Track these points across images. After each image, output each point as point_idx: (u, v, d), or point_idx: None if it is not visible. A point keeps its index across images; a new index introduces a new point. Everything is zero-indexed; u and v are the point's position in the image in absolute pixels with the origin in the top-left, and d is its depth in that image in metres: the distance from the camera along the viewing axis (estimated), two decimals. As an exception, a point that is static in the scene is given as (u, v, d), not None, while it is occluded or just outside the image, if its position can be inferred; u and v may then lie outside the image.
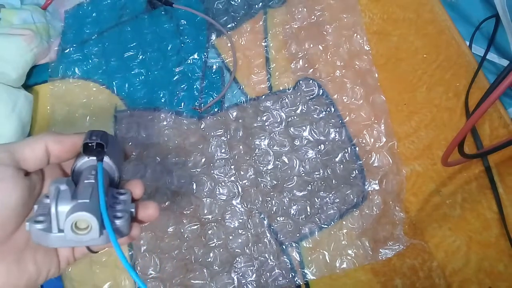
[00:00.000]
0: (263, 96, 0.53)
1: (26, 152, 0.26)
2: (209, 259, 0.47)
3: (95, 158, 0.27)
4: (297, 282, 0.46)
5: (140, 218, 0.29)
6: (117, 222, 0.25)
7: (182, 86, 0.54)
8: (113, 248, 0.24)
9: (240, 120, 0.52)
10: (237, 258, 0.47)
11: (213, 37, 0.56)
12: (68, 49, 0.56)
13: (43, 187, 0.29)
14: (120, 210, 0.26)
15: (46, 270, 0.28)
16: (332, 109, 0.52)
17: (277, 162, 0.50)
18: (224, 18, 0.56)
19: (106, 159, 0.28)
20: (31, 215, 0.27)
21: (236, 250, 0.47)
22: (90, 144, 0.27)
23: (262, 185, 0.49)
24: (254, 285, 0.46)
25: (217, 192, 0.49)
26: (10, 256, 0.26)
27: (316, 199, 0.48)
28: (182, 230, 0.48)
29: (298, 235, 0.47)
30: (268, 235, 0.48)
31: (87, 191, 0.25)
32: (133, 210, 0.28)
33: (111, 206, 0.26)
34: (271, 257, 0.47)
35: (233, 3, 0.56)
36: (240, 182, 0.49)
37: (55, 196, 0.24)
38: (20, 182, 0.25)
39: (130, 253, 0.48)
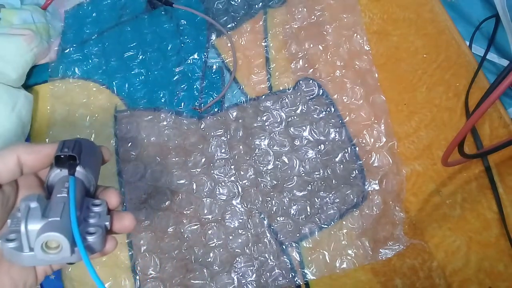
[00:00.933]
0: (263, 96, 0.53)
1: None
2: (209, 259, 0.47)
3: (60, 169, 0.27)
4: (297, 282, 0.46)
5: (116, 230, 0.28)
6: (90, 238, 0.25)
7: (182, 86, 0.54)
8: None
9: (240, 120, 0.52)
10: (237, 258, 0.47)
11: (213, 37, 0.56)
12: (68, 49, 0.56)
13: (18, 197, 0.28)
14: (94, 225, 0.25)
15: (22, 283, 0.27)
16: (332, 109, 0.52)
17: (277, 162, 0.50)
18: (224, 18, 0.56)
19: (80, 169, 0.27)
20: (4, 230, 0.26)
21: (236, 250, 0.47)
22: (62, 156, 0.26)
23: (262, 185, 0.49)
24: (254, 285, 0.46)
25: (217, 192, 0.49)
26: None
27: (316, 199, 0.48)
28: (182, 230, 0.48)
29: (298, 235, 0.47)
30: (268, 235, 0.48)
31: (59, 207, 0.24)
32: (107, 223, 0.26)
33: (85, 220, 0.25)
34: (271, 257, 0.47)
35: (233, 3, 0.56)
36: (240, 182, 0.49)
37: (25, 214, 0.24)
38: None
39: (130, 253, 0.48)
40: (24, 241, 0.24)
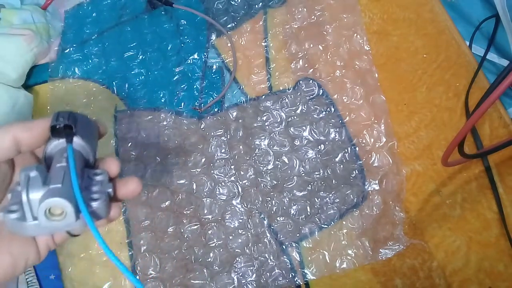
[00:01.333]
0: (263, 96, 0.53)
1: None
2: (209, 259, 0.47)
3: (64, 140, 0.26)
4: (297, 282, 0.46)
5: (122, 195, 0.28)
6: (94, 204, 0.24)
7: (182, 86, 0.54)
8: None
9: (240, 120, 0.52)
10: (237, 258, 0.47)
11: (213, 37, 0.56)
12: (68, 49, 0.56)
13: (14, 176, 0.28)
14: (96, 192, 0.25)
15: (24, 259, 0.27)
16: (332, 109, 0.52)
17: (277, 162, 0.50)
18: (224, 18, 0.56)
19: (77, 139, 0.26)
20: (4, 204, 0.26)
21: (236, 250, 0.47)
22: (57, 127, 0.26)
23: (262, 185, 0.49)
24: (254, 285, 0.46)
25: (217, 192, 0.49)
26: None
27: (316, 199, 0.48)
28: (182, 230, 0.48)
29: (298, 235, 0.47)
30: (268, 235, 0.48)
31: (59, 175, 0.24)
32: (110, 190, 0.26)
33: (87, 188, 0.25)
34: (271, 257, 0.47)
35: (233, 3, 0.56)
36: (240, 182, 0.49)
37: (25, 183, 0.23)
38: None
39: (130, 253, 0.48)
40: (26, 210, 0.23)
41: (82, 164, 0.27)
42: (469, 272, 0.45)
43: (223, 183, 0.49)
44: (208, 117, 0.52)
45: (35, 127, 0.26)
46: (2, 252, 0.26)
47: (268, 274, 0.46)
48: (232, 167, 0.50)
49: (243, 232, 0.48)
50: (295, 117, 0.51)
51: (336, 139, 0.50)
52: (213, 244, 0.47)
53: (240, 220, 0.48)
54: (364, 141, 0.50)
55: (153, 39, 0.56)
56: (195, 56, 0.55)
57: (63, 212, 0.23)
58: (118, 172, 0.29)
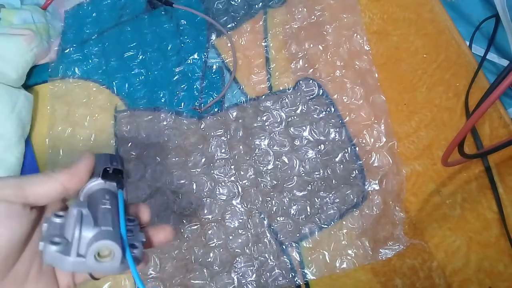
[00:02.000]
0: (263, 96, 0.53)
1: (38, 190, 0.26)
2: (209, 259, 0.47)
3: (113, 183, 0.28)
4: (297, 282, 0.46)
5: (155, 243, 0.29)
6: (135, 251, 0.25)
7: (182, 86, 0.54)
8: (115, 274, 0.24)
9: (240, 120, 0.52)
10: (237, 258, 0.47)
11: (213, 37, 0.56)
12: (68, 49, 0.56)
13: (44, 211, 0.28)
14: (134, 240, 0.26)
15: None
16: (332, 109, 0.52)
17: (277, 162, 0.50)
18: (224, 18, 0.56)
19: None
20: (33, 241, 0.27)
21: (236, 250, 0.47)
22: (108, 170, 0.28)
23: (262, 185, 0.49)
24: (254, 285, 0.46)
25: (217, 192, 0.49)
26: None
27: (316, 199, 0.48)
28: (182, 230, 0.48)
29: (298, 235, 0.47)
30: (268, 235, 0.48)
31: (107, 218, 0.25)
32: (144, 240, 0.27)
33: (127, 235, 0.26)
34: (271, 257, 0.47)
35: (233, 3, 0.56)
36: (240, 182, 0.49)
37: (79, 220, 0.24)
38: (26, 218, 0.25)
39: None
40: (74, 246, 0.24)
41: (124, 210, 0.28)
42: (469, 272, 0.45)
43: (223, 183, 0.49)
44: (208, 117, 0.52)
45: (81, 172, 0.27)
46: None
47: (268, 274, 0.46)
48: (232, 167, 0.50)
49: (243, 232, 0.48)
50: (295, 117, 0.51)
51: (336, 139, 0.50)
52: (213, 244, 0.47)
53: (240, 220, 0.48)
54: (364, 141, 0.50)
55: (153, 39, 0.56)
56: (195, 56, 0.55)
57: (110, 254, 0.24)
58: (148, 221, 0.30)
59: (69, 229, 0.24)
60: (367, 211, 0.48)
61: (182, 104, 0.53)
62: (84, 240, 0.24)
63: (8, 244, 0.24)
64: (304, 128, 0.51)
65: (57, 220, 0.25)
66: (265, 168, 0.50)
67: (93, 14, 0.58)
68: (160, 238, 0.29)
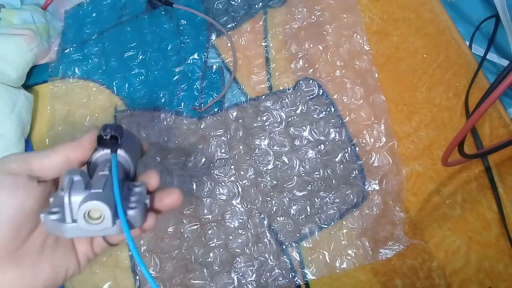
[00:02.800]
0: (263, 96, 0.53)
1: (44, 162, 0.27)
2: (209, 259, 0.47)
3: (109, 150, 0.28)
4: (297, 282, 0.46)
5: (163, 206, 0.29)
6: (130, 212, 0.25)
7: (182, 86, 0.54)
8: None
9: (240, 120, 0.52)
10: (237, 258, 0.47)
11: (213, 37, 0.56)
12: (68, 49, 0.56)
13: (58, 186, 0.29)
14: (134, 201, 0.26)
15: (64, 270, 0.28)
16: (332, 109, 0.52)
17: (277, 162, 0.50)
18: (224, 18, 0.56)
19: (121, 152, 0.28)
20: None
21: (236, 250, 0.47)
22: (104, 137, 0.28)
23: (262, 185, 0.49)
24: (254, 285, 0.46)
25: (217, 192, 0.49)
26: (25, 261, 0.26)
27: (316, 199, 0.48)
28: (182, 230, 0.48)
29: (298, 235, 0.47)
30: (268, 235, 0.48)
31: (101, 181, 0.25)
32: (147, 201, 0.27)
33: (125, 198, 0.26)
34: (271, 257, 0.47)
35: (233, 3, 0.56)
36: (240, 182, 0.49)
37: (68, 186, 0.25)
38: (34, 190, 0.26)
39: (130, 253, 0.48)
40: (67, 212, 0.24)
41: (123, 175, 0.28)
42: (469, 272, 0.45)
43: (223, 183, 0.49)
44: (208, 117, 0.52)
45: (84, 143, 0.28)
46: (44, 262, 0.27)
47: (268, 274, 0.46)
48: (232, 167, 0.50)
49: (243, 232, 0.48)
50: (295, 117, 0.51)
51: (336, 139, 0.50)
52: (213, 244, 0.47)
53: (240, 220, 0.48)
54: (364, 141, 0.50)
55: (153, 39, 0.56)
56: (195, 56, 0.55)
57: (101, 216, 0.24)
58: (157, 185, 0.30)
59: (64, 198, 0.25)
60: (367, 211, 0.48)
61: (182, 104, 0.53)
62: (75, 205, 0.24)
63: (18, 213, 0.25)
64: (304, 128, 0.51)
65: (61, 193, 0.26)
66: (265, 168, 0.50)
67: (93, 14, 0.58)
68: (168, 202, 0.29)
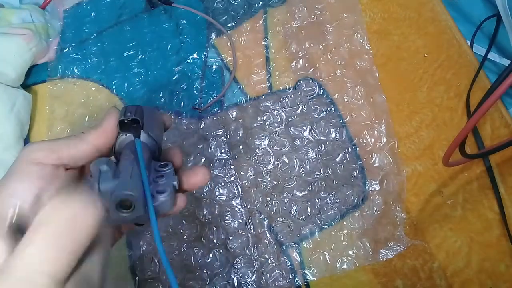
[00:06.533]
0: (263, 96, 0.53)
1: (72, 152, 0.27)
2: (209, 260, 0.47)
3: (131, 134, 0.28)
4: (297, 283, 0.46)
5: (190, 186, 0.29)
6: (160, 197, 0.25)
7: (181, 86, 0.53)
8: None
9: (240, 120, 0.52)
10: (237, 259, 0.47)
11: (213, 36, 0.56)
12: (67, 49, 0.56)
13: (85, 173, 0.29)
14: (163, 184, 0.26)
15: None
16: (333, 109, 0.51)
17: (277, 162, 0.50)
18: (224, 17, 0.56)
19: (144, 133, 0.28)
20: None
21: (236, 250, 0.47)
22: (125, 121, 0.28)
23: (262, 185, 0.49)
24: (254, 286, 0.46)
25: (216, 193, 0.49)
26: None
27: (316, 199, 0.48)
28: (181, 231, 0.48)
29: (298, 235, 0.47)
30: (268, 235, 0.47)
31: (128, 169, 0.25)
32: (175, 182, 0.27)
33: (154, 181, 0.26)
34: (271, 258, 0.47)
35: (233, 2, 0.56)
36: (240, 182, 0.49)
37: (97, 177, 0.25)
38: (61, 179, 0.26)
39: (129, 253, 0.48)
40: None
41: (149, 157, 0.28)
42: (470, 273, 0.45)
43: (223, 183, 0.49)
44: (208, 117, 0.52)
45: (108, 129, 0.28)
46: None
47: (268, 275, 0.46)
48: (232, 167, 0.50)
49: (243, 233, 0.47)
50: (295, 117, 0.51)
51: (337, 139, 0.50)
52: (213, 245, 0.47)
53: (240, 221, 0.48)
54: (364, 141, 0.50)
55: (153, 38, 0.56)
56: (195, 55, 0.55)
57: (131, 204, 0.24)
58: (181, 162, 0.30)
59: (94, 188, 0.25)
60: (367, 212, 0.48)
61: (182, 104, 0.53)
62: (105, 196, 0.24)
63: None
64: (304, 128, 0.51)
65: (90, 180, 0.26)
66: (265, 168, 0.50)
67: (92, 14, 0.57)
68: (194, 181, 0.29)
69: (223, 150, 0.50)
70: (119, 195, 0.23)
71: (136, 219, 0.24)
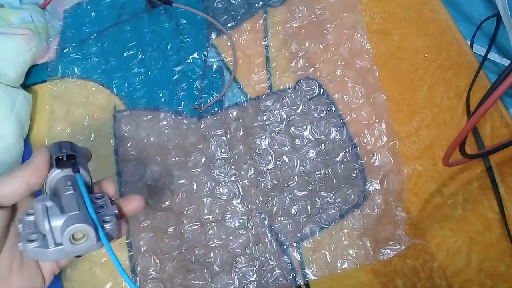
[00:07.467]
0: (264, 96, 0.53)
1: (5, 190, 0.27)
2: (210, 260, 0.47)
3: (68, 169, 0.28)
4: (297, 283, 0.46)
5: (127, 212, 0.30)
6: (107, 226, 0.27)
7: (182, 86, 0.53)
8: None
9: (240, 120, 0.52)
10: (237, 259, 0.47)
11: (213, 36, 0.56)
12: (67, 49, 0.56)
13: (17, 210, 0.29)
14: (106, 214, 0.27)
15: None
16: (333, 109, 0.51)
17: (277, 161, 0.50)
18: (224, 17, 0.56)
19: (80, 167, 0.29)
20: (10, 237, 0.28)
21: (237, 250, 0.47)
22: (61, 158, 0.29)
23: (262, 185, 0.49)
24: (255, 285, 0.46)
25: (217, 192, 0.49)
26: None
27: (317, 199, 0.48)
28: (182, 230, 0.48)
29: (299, 235, 0.47)
30: (268, 235, 0.47)
31: (73, 203, 0.26)
32: (116, 211, 0.28)
33: (97, 212, 0.27)
34: (272, 258, 0.47)
35: (233, 2, 0.56)
36: (241, 182, 0.49)
37: (45, 213, 0.25)
38: None
39: (130, 253, 0.48)
40: (49, 237, 0.25)
41: (88, 190, 0.29)
42: (470, 273, 0.45)
43: (223, 183, 0.49)
44: (208, 117, 0.52)
45: (40, 166, 0.28)
46: (12, 285, 0.27)
47: (268, 274, 0.46)
48: (233, 167, 0.50)
49: (244, 232, 0.47)
50: (295, 117, 0.51)
51: (337, 139, 0.50)
52: (214, 245, 0.47)
53: (241, 220, 0.48)
54: (365, 141, 0.50)
55: (153, 38, 0.56)
56: (195, 55, 0.55)
57: (84, 235, 0.25)
58: (115, 193, 0.31)
59: (41, 224, 0.25)
60: (368, 211, 0.48)
61: (182, 103, 0.53)
62: (56, 230, 0.25)
63: None
64: (304, 127, 0.51)
65: (30, 218, 0.27)
66: (265, 168, 0.50)
67: (92, 13, 0.57)
68: (131, 207, 0.30)
69: (223, 150, 0.50)
70: (74, 227, 0.24)
71: (89, 248, 0.25)
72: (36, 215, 0.26)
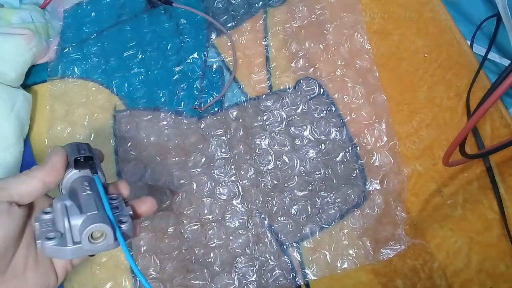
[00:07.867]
0: (264, 96, 0.53)
1: (22, 188, 0.28)
2: (210, 260, 0.47)
3: (86, 170, 0.30)
4: (298, 283, 0.46)
5: (140, 214, 0.32)
6: (123, 226, 0.27)
7: (182, 86, 0.53)
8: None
9: (240, 120, 0.52)
10: (237, 259, 0.47)
11: (213, 36, 0.56)
12: (67, 49, 0.56)
13: (33, 209, 0.30)
14: (121, 215, 0.28)
15: (46, 287, 0.29)
16: (333, 109, 0.51)
17: (277, 161, 0.50)
18: (224, 17, 0.56)
19: (98, 169, 0.30)
20: (26, 235, 0.29)
21: (237, 250, 0.47)
22: (79, 159, 0.30)
23: (262, 185, 0.49)
24: (255, 285, 0.46)
25: (217, 192, 0.49)
26: (10, 283, 0.27)
27: (317, 199, 0.48)
28: (182, 230, 0.48)
29: (299, 235, 0.47)
30: (268, 235, 0.47)
31: (91, 203, 0.27)
32: (131, 212, 0.29)
33: (113, 213, 0.28)
34: (272, 258, 0.47)
35: (233, 2, 0.56)
36: (241, 182, 0.49)
37: (65, 212, 0.26)
38: (15, 215, 0.27)
39: (131, 253, 0.48)
40: (68, 236, 0.26)
41: (105, 190, 0.30)
42: (470, 273, 0.45)
43: (223, 183, 0.49)
44: (208, 117, 0.52)
45: (57, 166, 0.29)
46: (28, 282, 0.28)
47: (268, 274, 0.46)
48: (233, 167, 0.50)
49: (244, 232, 0.47)
50: (295, 117, 0.51)
51: (337, 139, 0.50)
52: (214, 245, 0.47)
53: (241, 220, 0.48)
54: (365, 141, 0.50)
55: (153, 38, 0.56)
56: (195, 55, 0.55)
57: (102, 235, 0.26)
58: (129, 195, 0.32)
59: (59, 222, 0.27)
60: (368, 211, 0.48)
61: (182, 103, 0.53)
62: (75, 229, 0.26)
63: (4, 239, 0.26)
64: (304, 127, 0.51)
65: (47, 216, 0.28)
66: (265, 168, 0.50)
67: (92, 13, 0.57)
68: (144, 209, 0.32)
69: (223, 150, 0.50)
70: (93, 227, 0.25)
71: (106, 248, 0.26)
72: (55, 214, 0.27)
